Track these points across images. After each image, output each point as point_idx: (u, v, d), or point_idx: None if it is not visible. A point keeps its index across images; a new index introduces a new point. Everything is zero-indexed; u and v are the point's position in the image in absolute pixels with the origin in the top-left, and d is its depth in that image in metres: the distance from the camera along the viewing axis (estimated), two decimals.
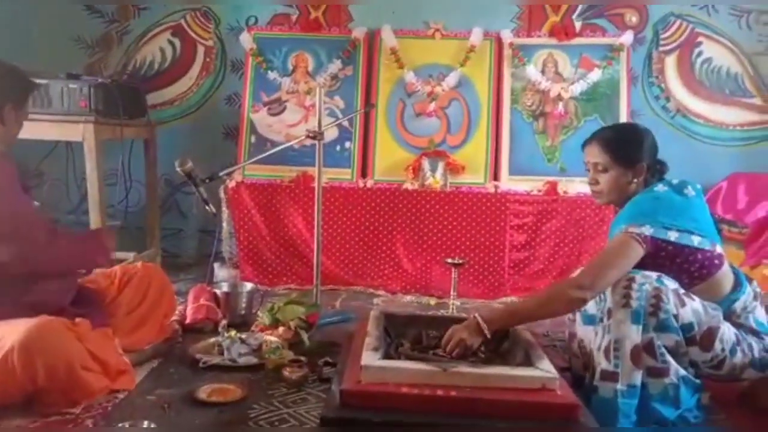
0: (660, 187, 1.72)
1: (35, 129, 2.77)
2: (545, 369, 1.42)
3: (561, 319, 2.56)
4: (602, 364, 1.58)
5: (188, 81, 3.53)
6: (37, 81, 2.66)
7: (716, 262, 1.67)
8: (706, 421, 1.65)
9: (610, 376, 1.56)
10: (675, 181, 1.74)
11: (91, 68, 3.45)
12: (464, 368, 1.42)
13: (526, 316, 1.71)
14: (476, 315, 1.64)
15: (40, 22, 3.43)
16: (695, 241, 1.63)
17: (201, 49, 3.53)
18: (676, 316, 1.56)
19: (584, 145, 1.86)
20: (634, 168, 1.76)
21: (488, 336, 1.61)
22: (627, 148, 1.77)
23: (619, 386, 1.55)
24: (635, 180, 1.76)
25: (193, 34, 3.51)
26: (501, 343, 1.73)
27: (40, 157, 3.40)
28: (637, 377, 1.55)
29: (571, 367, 1.87)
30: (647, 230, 1.61)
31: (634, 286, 1.55)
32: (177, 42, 3.52)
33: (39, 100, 2.74)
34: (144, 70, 3.53)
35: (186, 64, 3.53)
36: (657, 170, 1.80)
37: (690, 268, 1.64)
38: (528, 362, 1.50)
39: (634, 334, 1.54)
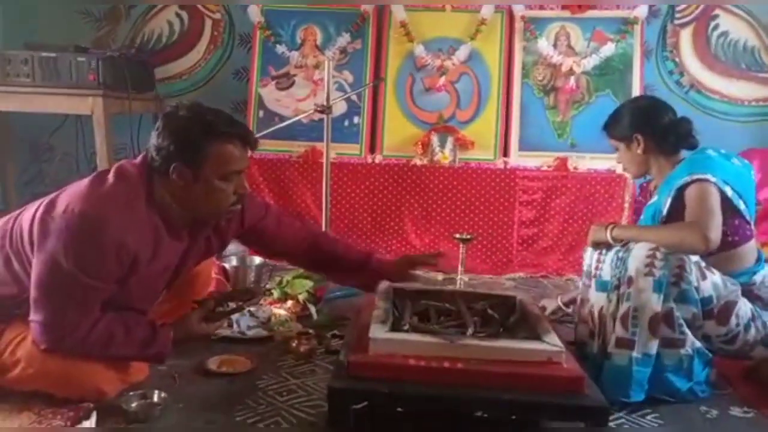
0: (710, 152, 1.75)
1: (44, 102, 2.81)
2: (551, 342, 1.42)
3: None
4: (618, 331, 1.58)
5: (196, 55, 3.51)
6: (46, 54, 2.73)
7: (748, 233, 1.70)
8: (714, 396, 1.65)
9: (626, 344, 1.56)
10: (722, 151, 1.77)
11: (99, 41, 3.44)
12: (471, 341, 1.43)
13: (654, 238, 1.62)
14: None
15: None
16: (741, 205, 1.66)
17: (209, 23, 3.50)
18: (697, 289, 1.57)
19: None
20: (631, 141, 1.82)
21: (610, 240, 1.71)
22: (617, 125, 1.87)
23: (634, 354, 1.55)
24: (644, 152, 1.81)
25: (200, 7, 3.48)
26: (508, 317, 1.73)
27: (50, 131, 3.43)
28: (653, 346, 1.56)
29: (575, 334, 1.88)
30: (711, 178, 1.64)
31: (659, 255, 1.55)
32: (185, 15, 3.49)
33: (48, 73, 2.75)
34: (152, 43, 3.51)
35: (194, 38, 3.50)
36: (674, 136, 1.80)
37: (726, 231, 1.64)
38: (534, 336, 1.50)
39: (654, 303, 1.54)
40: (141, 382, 1.59)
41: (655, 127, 1.80)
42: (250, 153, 1.59)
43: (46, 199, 1.49)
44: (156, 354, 1.55)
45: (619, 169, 2.80)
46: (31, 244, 1.44)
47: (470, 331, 1.49)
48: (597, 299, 1.74)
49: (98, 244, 1.39)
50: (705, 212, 1.59)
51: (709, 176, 1.64)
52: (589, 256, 1.82)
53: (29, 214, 1.49)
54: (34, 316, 1.42)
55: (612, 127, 1.88)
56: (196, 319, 1.62)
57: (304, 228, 1.99)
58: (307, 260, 1.99)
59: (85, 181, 1.49)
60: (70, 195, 1.45)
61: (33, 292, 1.42)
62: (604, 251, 1.75)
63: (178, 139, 1.45)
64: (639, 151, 1.82)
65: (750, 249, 1.71)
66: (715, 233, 1.56)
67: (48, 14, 3.42)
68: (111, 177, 1.49)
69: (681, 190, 1.68)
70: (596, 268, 1.76)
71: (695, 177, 1.65)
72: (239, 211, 1.67)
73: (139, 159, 1.55)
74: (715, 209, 1.60)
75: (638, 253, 1.58)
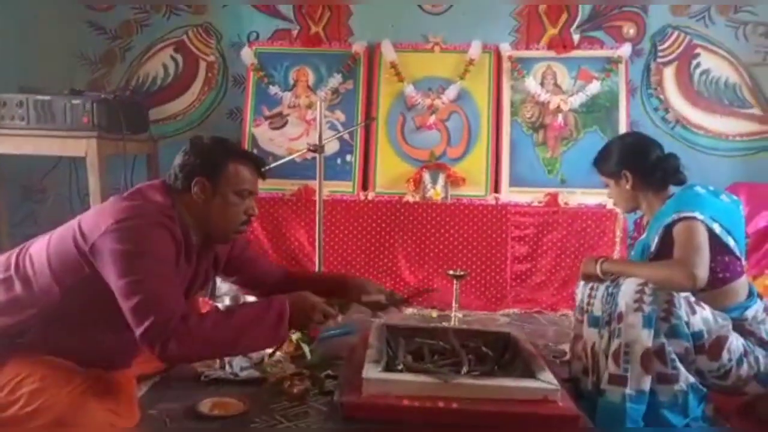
0: (698, 189, 1.77)
1: (38, 145, 2.83)
2: (547, 380, 1.42)
3: (563, 331, 2.58)
4: (611, 368, 1.57)
5: (190, 96, 3.56)
6: (41, 97, 2.77)
7: (739, 269, 1.70)
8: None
9: (619, 380, 1.55)
10: (711, 188, 1.79)
11: (94, 84, 3.48)
12: (466, 380, 1.42)
13: (642, 274, 1.63)
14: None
15: (44, 39, 3.46)
16: (731, 242, 1.66)
17: (203, 65, 3.56)
18: (687, 323, 1.57)
19: None
20: (620, 177, 1.86)
21: (600, 273, 1.72)
22: (605, 162, 1.91)
23: (627, 390, 1.54)
24: (633, 188, 1.84)
25: (195, 50, 3.54)
26: (502, 354, 1.72)
27: (43, 173, 3.44)
28: (647, 383, 1.55)
29: (569, 371, 1.86)
30: (699, 216, 1.64)
31: (647, 290, 1.56)
32: (179, 58, 3.55)
33: (42, 116, 2.78)
34: (147, 85, 3.56)
35: (188, 80, 3.56)
36: (661, 172, 1.83)
37: (716, 268, 1.65)
38: (529, 374, 1.50)
39: (645, 339, 1.54)
40: (131, 429, 1.56)
41: (642, 164, 1.83)
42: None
43: (65, 230, 1.52)
44: (277, 317, 1.53)
45: (610, 204, 2.82)
46: (49, 266, 1.47)
47: (465, 369, 1.49)
48: (590, 335, 1.74)
49: (157, 235, 1.48)
50: (692, 250, 1.59)
51: (696, 214, 1.65)
52: (581, 292, 1.82)
53: (41, 242, 1.53)
54: (138, 327, 1.40)
55: (601, 164, 1.92)
56: (317, 298, 1.64)
57: (274, 262, 2.12)
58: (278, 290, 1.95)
59: (107, 204, 1.57)
60: (102, 215, 1.49)
61: (127, 304, 1.41)
62: (595, 286, 1.76)
63: (203, 156, 1.64)
64: (628, 187, 1.85)
65: (741, 285, 1.71)
66: (702, 271, 1.56)
67: (43, 57, 3.47)
68: (136, 194, 1.58)
69: (668, 228, 1.69)
70: (588, 304, 1.77)
71: (682, 215, 1.66)
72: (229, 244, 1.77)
73: (156, 183, 1.66)
74: (703, 247, 1.60)
75: (627, 288, 1.58)
